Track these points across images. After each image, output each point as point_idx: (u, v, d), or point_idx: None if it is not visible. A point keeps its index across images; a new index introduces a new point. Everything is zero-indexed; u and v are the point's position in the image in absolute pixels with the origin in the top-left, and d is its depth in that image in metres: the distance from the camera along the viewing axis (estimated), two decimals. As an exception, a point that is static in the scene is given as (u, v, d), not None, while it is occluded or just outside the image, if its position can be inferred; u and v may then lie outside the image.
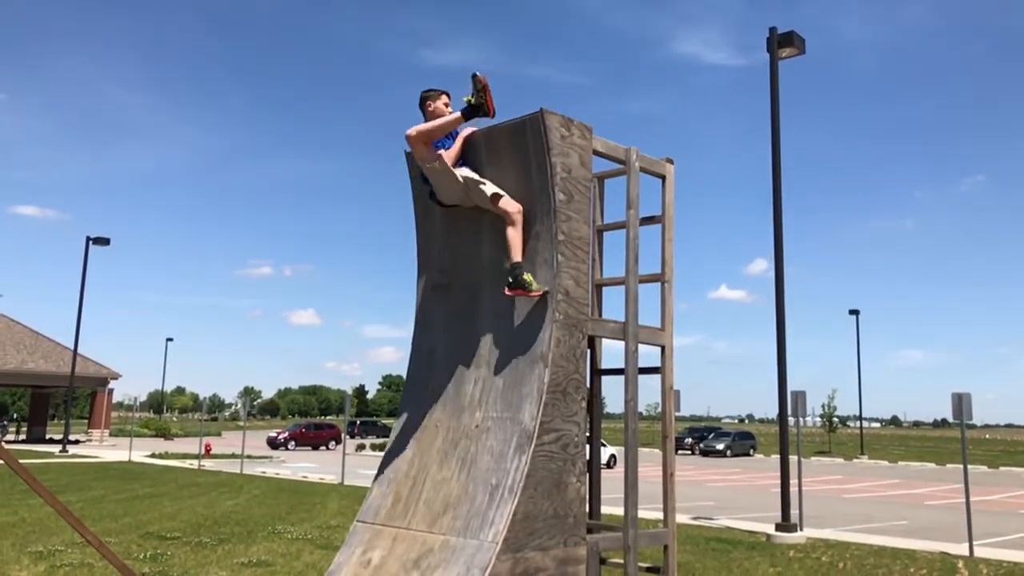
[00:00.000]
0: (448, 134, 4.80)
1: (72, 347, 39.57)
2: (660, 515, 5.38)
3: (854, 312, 50.70)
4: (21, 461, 5.93)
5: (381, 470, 4.85)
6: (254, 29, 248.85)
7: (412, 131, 4.61)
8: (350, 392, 74.63)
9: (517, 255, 4.52)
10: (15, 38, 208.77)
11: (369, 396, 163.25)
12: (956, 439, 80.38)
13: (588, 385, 4.87)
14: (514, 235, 4.56)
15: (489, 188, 4.65)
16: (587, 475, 4.70)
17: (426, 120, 4.76)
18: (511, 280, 4.45)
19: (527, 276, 4.45)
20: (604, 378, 5.58)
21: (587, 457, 4.74)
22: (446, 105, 4.82)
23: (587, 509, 4.89)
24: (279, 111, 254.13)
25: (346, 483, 21.71)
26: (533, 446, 4.16)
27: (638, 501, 4.80)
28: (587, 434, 4.83)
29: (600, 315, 5.49)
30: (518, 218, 4.59)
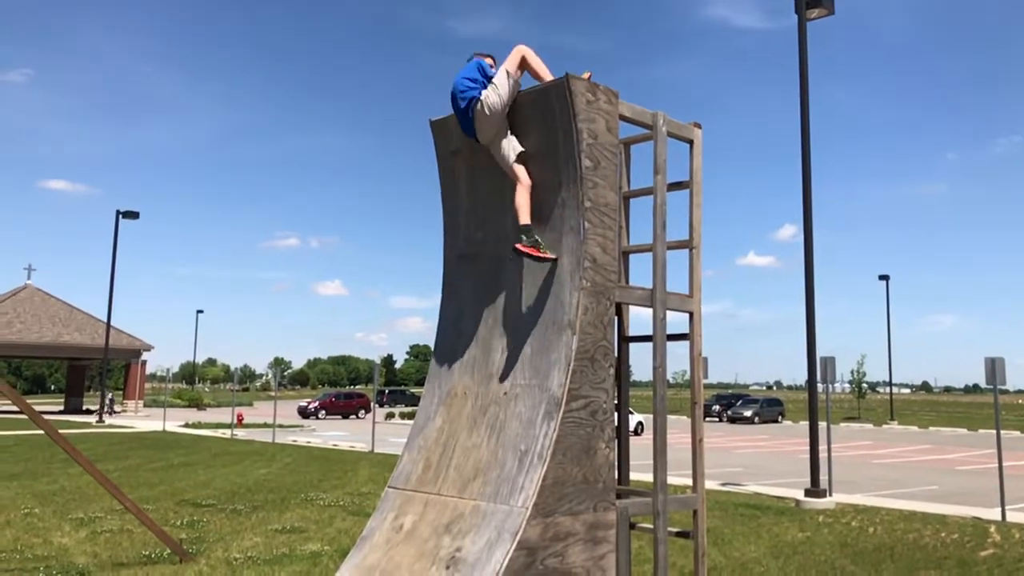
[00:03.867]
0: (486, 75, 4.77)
1: (105, 319, 40.27)
2: (689, 481, 5.41)
3: (884, 277, 50.15)
4: (60, 431, 6.09)
5: (411, 437, 4.90)
6: (278, 1, 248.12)
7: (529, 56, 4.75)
8: (378, 362, 75.29)
9: (526, 218, 4.57)
10: (41, 14, 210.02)
11: (397, 366, 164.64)
12: (987, 404, 79.50)
13: (616, 352, 4.86)
14: (523, 197, 4.62)
15: (516, 148, 4.72)
16: (616, 441, 4.72)
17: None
18: (522, 237, 4.51)
19: (537, 237, 4.53)
20: (631, 345, 5.57)
21: (615, 424, 4.76)
22: (491, 66, 4.88)
23: (616, 475, 4.91)
24: (305, 83, 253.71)
25: (376, 451, 22.01)
26: (562, 413, 4.18)
27: (667, 467, 4.81)
28: (615, 401, 4.84)
29: (627, 282, 5.46)
30: (527, 181, 4.66)
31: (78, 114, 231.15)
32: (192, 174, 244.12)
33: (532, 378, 4.42)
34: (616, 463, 4.90)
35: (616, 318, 4.97)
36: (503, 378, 4.58)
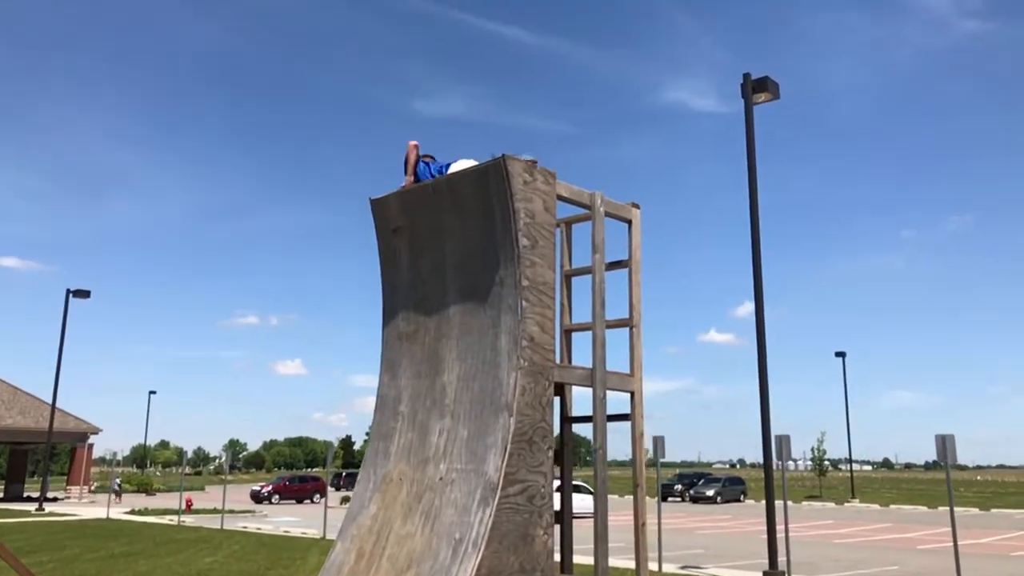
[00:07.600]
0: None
1: (51, 402, 38.96)
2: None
3: (840, 354, 50.76)
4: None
5: (345, 526, 4.71)
6: (240, 81, 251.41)
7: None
8: (335, 443, 73.63)
9: None
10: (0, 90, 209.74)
11: (356, 447, 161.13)
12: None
13: (558, 433, 4.77)
14: None
15: None
16: (556, 526, 4.57)
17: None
18: None
19: None
20: (577, 425, 5.47)
21: (556, 507, 4.62)
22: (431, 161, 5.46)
23: (558, 560, 4.75)
24: (267, 161, 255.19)
25: (328, 537, 21.26)
26: (498, 498, 4.04)
27: (608, 552, 4.67)
28: (557, 483, 4.71)
29: (570, 361, 5.41)
30: None
31: (33, 191, 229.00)
32: (149, 252, 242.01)
33: (468, 462, 4.29)
34: (559, 548, 4.74)
35: (559, 398, 4.90)
36: (439, 462, 4.44)
